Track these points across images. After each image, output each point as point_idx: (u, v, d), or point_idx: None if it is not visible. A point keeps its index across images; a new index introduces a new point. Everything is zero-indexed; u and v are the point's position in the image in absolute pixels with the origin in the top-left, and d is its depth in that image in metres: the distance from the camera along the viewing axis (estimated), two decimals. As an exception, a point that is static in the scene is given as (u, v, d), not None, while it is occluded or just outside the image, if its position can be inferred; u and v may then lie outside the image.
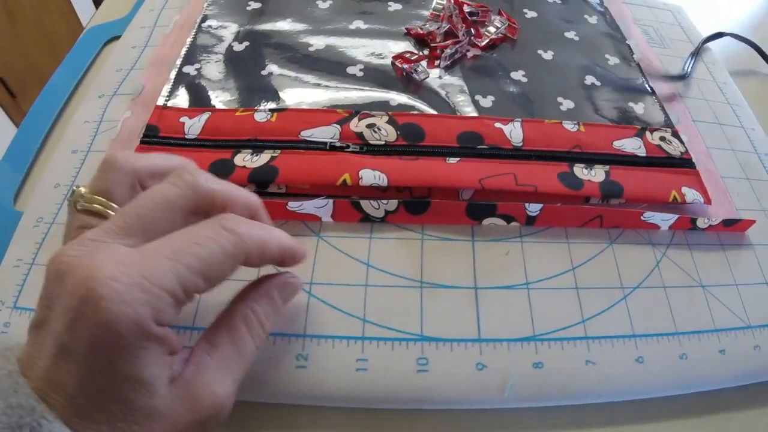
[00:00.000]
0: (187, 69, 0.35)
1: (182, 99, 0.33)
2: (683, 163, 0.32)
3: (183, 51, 0.36)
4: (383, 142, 0.30)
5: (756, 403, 0.26)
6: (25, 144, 0.34)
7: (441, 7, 0.39)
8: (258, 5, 0.39)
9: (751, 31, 0.45)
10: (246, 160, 0.29)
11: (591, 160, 0.31)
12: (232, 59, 0.35)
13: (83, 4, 0.99)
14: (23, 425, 0.15)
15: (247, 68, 0.35)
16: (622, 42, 0.40)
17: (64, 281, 0.16)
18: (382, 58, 0.36)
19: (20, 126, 0.35)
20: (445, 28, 0.37)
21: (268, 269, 0.24)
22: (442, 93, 0.34)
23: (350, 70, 0.35)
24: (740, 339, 0.27)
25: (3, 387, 0.16)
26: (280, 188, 0.29)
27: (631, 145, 0.32)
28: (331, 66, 0.35)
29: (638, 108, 0.35)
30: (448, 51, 0.35)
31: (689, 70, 0.39)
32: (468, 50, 0.37)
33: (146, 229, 0.18)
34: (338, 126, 0.31)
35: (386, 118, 0.31)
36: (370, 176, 0.28)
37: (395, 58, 0.35)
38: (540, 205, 0.28)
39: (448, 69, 0.36)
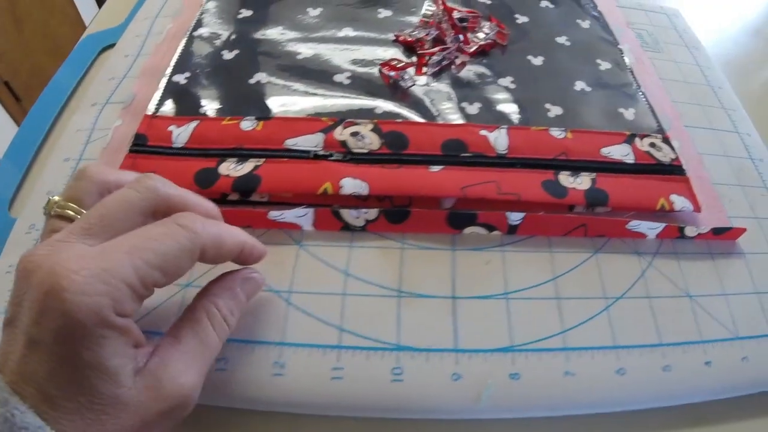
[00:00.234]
0: (177, 78, 0.35)
1: (171, 108, 0.33)
2: (673, 170, 0.32)
3: (174, 60, 0.36)
4: (367, 151, 0.30)
5: (743, 416, 0.26)
6: (20, 152, 0.35)
7: (430, 13, 0.39)
8: (249, 13, 0.40)
9: (749, 34, 0.44)
10: (230, 169, 0.30)
11: (577, 167, 0.31)
12: (221, 67, 0.36)
13: (88, 10, 1.01)
14: None
15: (235, 76, 0.35)
16: (615, 47, 0.40)
17: (31, 278, 0.18)
18: (370, 65, 0.36)
19: (16, 134, 0.36)
20: (434, 35, 0.37)
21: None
22: (429, 100, 0.34)
23: (337, 77, 0.35)
24: (728, 350, 0.26)
25: None
26: (263, 197, 0.29)
27: (619, 151, 0.32)
28: (319, 74, 0.35)
29: (628, 114, 0.35)
30: (435, 58, 0.35)
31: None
32: (456, 57, 0.37)
33: (108, 230, 0.19)
34: (322, 134, 0.31)
35: (371, 126, 0.32)
36: (351, 185, 0.28)
37: (382, 65, 0.35)
38: (522, 214, 0.28)
39: (435, 76, 0.36)
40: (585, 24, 0.41)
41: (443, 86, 0.35)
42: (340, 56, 0.36)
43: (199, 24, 0.39)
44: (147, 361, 0.19)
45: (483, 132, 0.32)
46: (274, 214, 0.28)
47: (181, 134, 0.31)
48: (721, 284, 0.29)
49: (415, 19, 0.40)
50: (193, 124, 0.32)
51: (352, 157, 0.30)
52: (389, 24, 0.39)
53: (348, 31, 0.38)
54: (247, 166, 0.30)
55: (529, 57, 0.38)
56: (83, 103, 0.36)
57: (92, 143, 0.34)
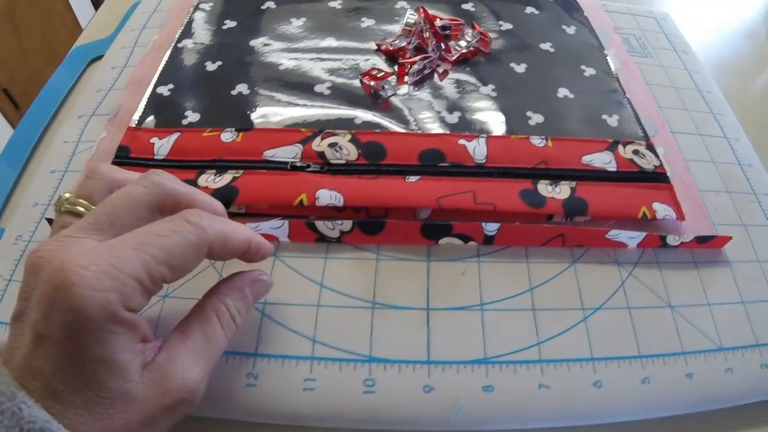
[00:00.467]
0: (160, 89, 0.35)
1: (154, 119, 0.33)
2: (657, 177, 0.31)
3: (158, 71, 0.37)
4: (344, 161, 0.30)
5: (724, 429, 0.25)
6: (9, 163, 0.35)
7: (413, 21, 0.39)
8: (233, 24, 0.40)
9: (744, 36, 0.44)
10: (209, 180, 0.30)
11: (557, 176, 0.31)
12: (204, 79, 0.36)
13: (87, 16, 1.02)
14: (4, 410, 0.16)
15: (218, 88, 0.35)
16: (601, 52, 0.39)
17: (40, 273, 0.18)
18: (351, 75, 0.36)
19: (5, 145, 0.37)
20: (416, 44, 0.37)
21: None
22: (409, 110, 0.34)
23: (318, 88, 0.35)
24: (710, 362, 0.26)
25: None
26: (240, 209, 0.29)
27: (600, 159, 0.32)
28: (300, 84, 0.35)
29: (612, 120, 0.34)
30: (415, 67, 0.35)
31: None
32: (438, 65, 0.37)
33: (115, 225, 0.19)
34: (300, 145, 0.31)
35: (349, 136, 0.31)
36: (327, 196, 0.28)
37: (363, 75, 0.35)
38: (498, 225, 0.28)
39: (416, 85, 0.36)
40: (570, 30, 0.41)
41: (424, 95, 0.35)
42: (322, 66, 0.37)
43: (183, 35, 0.39)
44: (155, 356, 0.19)
45: (461, 141, 0.32)
46: (251, 226, 0.28)
47: (162, 146, 0.32)
48: (704, 294, 0.28)
49: (397, 28, 0.40)
50: (175, 136, 0.32)
51: (329, 168, 0.30)
52: (372, 33, 0.39)
53: (330, 41, 0.38)
54: (226, 178, 0.30)
55: (512, 64, 0.37)
56: (71, 114, 0.37)
57: (78, 155, 0.34)
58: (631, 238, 0.29)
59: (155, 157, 0.31)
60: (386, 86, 0.35)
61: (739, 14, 0.50)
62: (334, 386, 0.24)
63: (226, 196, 0.29)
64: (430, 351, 0.25)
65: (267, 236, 0.28)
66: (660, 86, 0.38)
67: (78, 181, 0.23)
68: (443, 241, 0.28)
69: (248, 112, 0.33)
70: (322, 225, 0.28)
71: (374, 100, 0.34)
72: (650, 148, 0.33)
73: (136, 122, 0.33)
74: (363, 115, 0.33)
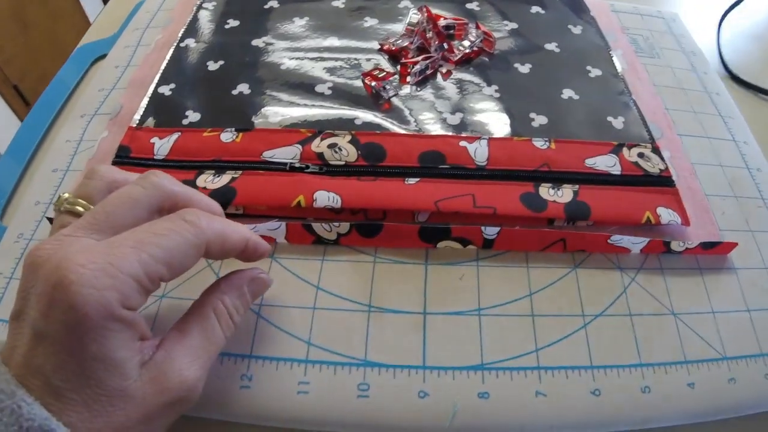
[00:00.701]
0: (162, 89, 0.35)
1: (155, 119, 0.33)
2: (662, 182, 0.31)
3: (160, 71, 0.37)
4: (343, 163, 0.30)
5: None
6: (12, 162, 0.36)
7: (416, 21, 0.38)
8: (236, 23, 0.40)
9: (753, 37, 0.43)
10: (207, 181, 0.30)
11: (559, 179, 0.30)
12: (205, 78, 0.36)
13: (96, 14, 1.03)
14: (4, 408, 0.16)
15: (219, 87, 0.35)
16: (607, 52, 0.39)
17: (39, 272, 0.18)
18: (353, 75, 0.36)
19: (9, 144, 0.37)
20: (418, 43, 0.37)
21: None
22: (410, 110, 0.34)
23: (319, 88, 0.35)
24: (713, 371, 0.25)
25: None
26: (238, 209, 0.29)
27: (604, 162, 0.31)
28: (301, 84, 0.35)
29: (617, 122, 0.34)
30: (417, 67, 0.35)
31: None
32: (441, 65, 0.36)
33: (114, 225, 0.20)
34: (300, 146, 0.31)
35: (349, 137, 0.31)
36: (325, 198, 0.28)
37: (364, 75, 0.35)
38: (497, 228, 0.27)
39: (419, 85, 0.35)
40: (576, 30, 0.40)
41: (426, 96, 0.35)
42: (323, 66, 0.36)
43: (186, 34, 0.39)
44: (153, 354, 0.19)
45: (462, 143, 0.31)
46: (248, 227, 0.28)
47: (162, 146, 0.32)
48: (709, 302, 0.28)
49: (400, 28, 0.39)
50: (175, 136, 0.32)
51: (328, 170, 0.30)
52: (374, 33, 0.39)
53: (333, 41, 0.38)
54: (224, 179, 0.30)
55: (516, 65, 0.37)
56: (73, 113, 0.37)
57: (80, 154, 0.34)
58: (635, 243, 0.28)
59: (155, 157, 0.31)
60: (388, 86, 0.34)
61: (748, 15, 0.49)
62: (329, 390, 0.24)
63: (224, 196, 0.29)
64: (426, 356, 0.25)
65: (264, 237, 0.28)
66: (667, 88, 0.38)
67: (77, 181, 0.23)
68: (441, 244, 0.28)
69: (248, 112, 0.33)
70: (319, 227, 0.28)
71: (375, 100, 0.34)
72: (656, 151, 0.32)
73: (137, 122, 0.33)
74: (364, 115, 0.33)
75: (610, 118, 0.34)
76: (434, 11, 0.39)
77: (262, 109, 0.33)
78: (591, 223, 0.29)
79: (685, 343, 0.26)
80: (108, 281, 0.17)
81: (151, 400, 0.19)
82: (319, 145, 0.31)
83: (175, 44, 0.38)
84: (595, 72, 0.37)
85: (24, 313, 0.18)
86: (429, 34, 0.37)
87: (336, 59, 0.37)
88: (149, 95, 0.35)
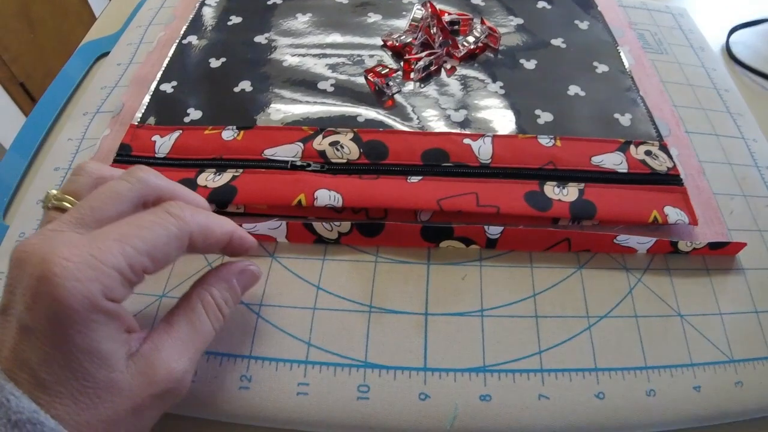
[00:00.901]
0: (164, 87, 0.35)
1: (156, 117, 0.33)
2: (669, 180, 0.30)
3: (162, 68, 0.36)
4: (345, 161, 0.30)
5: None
6: (16, 160, 0.36)
7: (420, 17, 0.38)
8: (239, 20, 0.40)
9: (763, 33, 0.42)
10: (208, 179, 0.29)
11: (565, 177, 0.30)
12: (207, 76, 0.36)
13: (103, 11, 1.02)
14: None
15: (220, 85, 0.35)
16: (614, 48, 0.38)
17: (24, 267, 0.18)
18: (355, 72, 0.35)
19: (12, 143, 0.37)
20: (422, 39, 0.36)
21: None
22: (413, 107, 0.33)
23: (321, 85, 0.34)
24: (720, 375, 0.25)
25: None
26: (239, 208, 0.29)
27: (611, 160, 0.31)
28: (303, 81, 0.35)
29: (624, 119, 0.33)
30: (421, 63, 0.34)
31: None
32: (445, 61, 0.36)
33: (98, 219, 0.20)
34: (301, 144, 0.30)
35: (351, 135, 0.31)
36: (326, 197, 0.28)
37: (367, 72, 0.35)
38: (501, 228, 0.27)
39: (422, 82, 0.35)
40: (583, 25, 0.39)
41: (430, 92, 0.34)
42: (326, 63, 0.36)
43: (188, 31, 0.39)
44: (140, 346, 0.19)
45: (466, 141, 0.31)
46: (248, 227, 0.27)
47: (163, 144, 0.31)
48: (716, 303, 0.27)
49: (404, 23, 0.39)
50: (176, 134, 0.32)
51: (330, 168, 0.29)
52: (378, 29, 0.39)
53: (336, 37, 0.38)
54: (225, 177, 0.29)
55: (522, 60, 0.36)
56: (75, 112, 0.37)
57: (81, 152, 0.34)
58: (641, 243, 0.28)
59: (156, 156, 0.31)
60: (391, 83, 0.34)
61: (758, 10, 0.48)
62: (328, 391, 0.23)
63: (224, 195, 0.28)
64: (427, 357, 0.24)
65: (264, 237, 0.28)
66: (675, 84, 0.37)
67: (67, 178, 0.23)
68: (444, 244, 0.28)
69: (250, 110, 0.33)
70: (320, 226, 0.27)
71: (378, 97, 0.34)
72: (663, 148, 0.32)
73: (139, 120, 0.33)
74: (366, 112, 0.33)
75: (617, 115, 0.33)
76: (438, 6, 0.39)
77: (264, 107, 0.33)
78: (597, 223, 0.29)
79: (691, 345, 0.26)
80: (91, 273, 0.17)
81: (139, 392, 0.19)
82: (320, 143, 0.30)
83: (178, 41, 0.38)
84: (601, 68, 0.36)
85: (10, 308, 0.18)
86: (433, 30, 0.37)
87: (339, 56, 0.37)
88: (151, 93, 0.35)
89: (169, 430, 0.23)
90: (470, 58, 0.37)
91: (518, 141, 0.31)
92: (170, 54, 0.37)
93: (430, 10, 0.37)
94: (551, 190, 0.29)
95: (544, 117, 0.33)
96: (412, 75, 0.35)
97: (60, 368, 0.17)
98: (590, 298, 0.27)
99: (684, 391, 0.24)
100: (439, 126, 0.32)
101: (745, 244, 0.28)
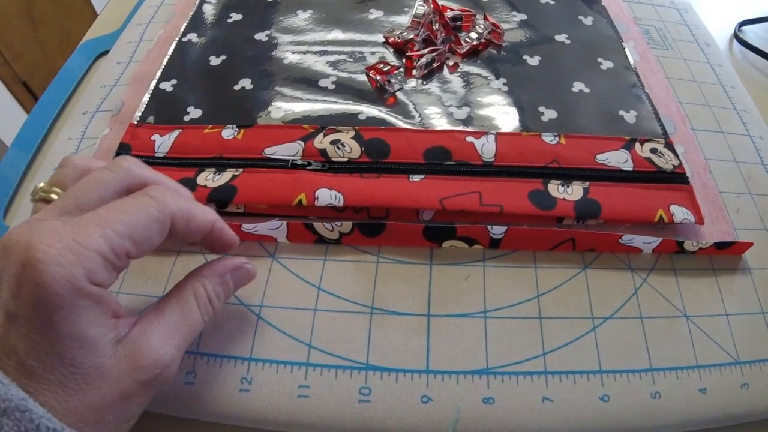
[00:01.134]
0: (163, 85, 0.35)
1: (156, 116, 0.33)
2: (675, 178, 0.30)
3: (162, 66, 0.36)
4: (346, 159, 0.29)
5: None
6: (16, 160, 0.35)
7: (422, 12, 0.37)
8: (239, 17, 0.39)
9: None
10: (208, 179, 0.29)
11: (569, 175, 0.29)
12: (207, 74, 0.35)
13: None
14: None
15: (220, 83, 0.34)
16: (619, 44, 0.37)
17: (9, 255, 0.18)
18: (357, 69, 0.35)
19: (11, 143, 0.37)
20: (424, 36, 0.36)
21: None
22: (415, 105, 0.33)
23: (322, 82, 0.34)
24: (726, 376, 0.25)
25: None
26: (239, 208, 0.28)
27: (616, 158, 0.30)
28: (304, 79, 0.34)
29: (630, 117, 0.33)
30: (423, 60, 0.34)
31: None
32: (448, 58, 0.35)
33: (81, 207, 0.20)
34: (302, 143, 0.30)
35: (352, 133, 0.31)
36: (327, 196, 0.27)
37: (369, 69, 0.34)
38: (504, 227, 0.27)
39: (424, 79, 0.34)
40: (587, 20, 0.39)
41: (432, 89, 0.34)
42: (327, 60, 0.36)
43: (188, 29, 0.39)
44: (128, 331, 0.19)
45: (469, 138, 0.30)
46: (248, 227, 0.27)
47: (163, 143, 0.31)
48: (723, 304, 0.27)
49: (406, 20, 0.38)
50: (176, 133, 0.31)
51: (331, 167, 0.29)
52: (379, 25, 0.38)
53: (337, 34, 0.37)
54: (225, 176, 0.29)
55: (525, 57, 0.36)
56: (75, 111, 0.36)
57: (81, 152, 0.34)
58: (647, 243, 0.27)
59: (156, 155, 0.31)
60: (393, 80, 0.34)
61: (764, 5, 0.47)
62: (329, 394, 0.23)
63: (224, 195, 0.28)
64: (430, 360, 0.24)
65: (264, 237, 0.28)
66: (681, 80, 0.36)
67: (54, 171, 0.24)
68: (447, 244, 0.27)
69: (250, 108, 0.33)
70: (320, 226, 0.27)
71: (380, 94, 0.33)
72: (669, 146, 0.31)
73: (138, 119, 0.33)
74: (368, 110, 0.32)
75: (621, 112, 0.33)
76: (441, 2, 0.38)
77: (265, 105, 0.33)
78: (602, 222, 0.28)
79: (697, 346, 0.25)
80: (72, 257, 0.17)
81: (126, 377, 0.19)
82: (321, 142, 0.30)
83: (177, 39, 0.38)
84: (606, 64, 0.36)
85: None
86: (435, 26, 0.36)
87: (340, 53, 0.36)
88: (150, 91, 0.34)
89: (169, 432, 0.23)
90: (473, 54, 0.36)
91: (522, 139, 0.31)
92: (170, 52, 0.37)
93: (432, 6, 0.37)
94: (555, 188, 0.29)
95: (548, 114, 0.32)
96: (414, 72, 0.34)
97: (46, 355, 0.17)
98: (595, 299, 0.26)
99: (690, 394, 0.24)
100: (441, 124, 0.32)
101: (751, 244, 0.28)
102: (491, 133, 0.31)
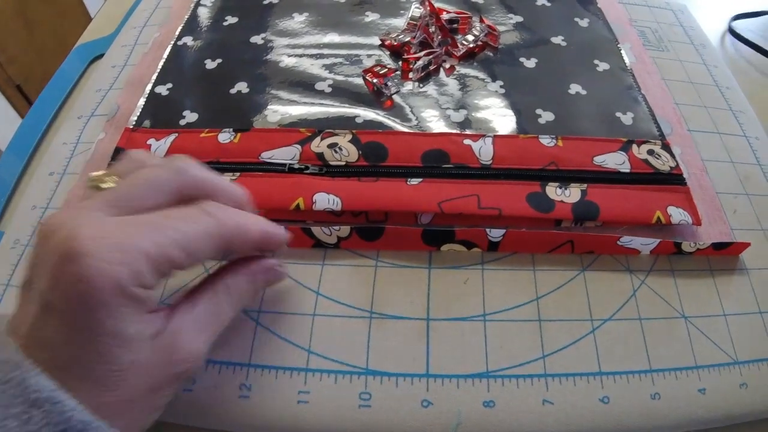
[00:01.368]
0: (159, 89, 0.35)
1: (152, 120, 0.33)
2: (672, 180, 0.30)
3: (157, 70, 0.36)
4: (344, 163, 0.29)
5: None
6: (10, 165, 0.35)
7: (418, 15, 0.37)
8: (235, 20, 0.39)
9: (762, 25, 0.41)
10: (205, 183, 0.29)
11: (567, 178, 0.29)
12: (203, 77, 0.35)
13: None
14: (10, 379, 0.16)
15: (216, 87, 0.34)
16: (615, 46, 0.37)
17: (49, 241, 0.17)
18: (353, 72, 0.35)
19: (6, 148, 0.36)
20: (421, 38, 0.36)
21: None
22: (412, 107, 0.33)
23: (319, 86, 0.34)
24: (725, 376, 0.25)
25: None
26: (237, 212, 0.28)
27: (613, 160, 0.30)
28: (300, 82, 0.34)
29: (626, 118, 0.33)
30: (419, 63, 0.34)
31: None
32: (444, 61, 0.35)
33: (133, 204, 0.19)
34: (299, 146, 0.30)
35: (349, 136, 0.30)
36: (324, 200, 0.27)
37: (365, 72, 0.34)
38: (503, 230, 0.27)
39: (421, 81, 0.34)
40: (583, 22, 0.39)
41: (429, 92, 0.34)
42: (323, 63, 0.35)
43: (184, 32, 0.38)
44: (163, 325, 0.19)
45: (467, 141, 0.30)
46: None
47: (159, 148, 0.31)
48: (720, 304, 0.27)
49: (402, 22, 0.38)
50: (172, 138, 0.31)
51: (328, 170, 0.29)
52: (375, 28, 0.38)
53: (333, 37, 0.37)
54: (222, 181, 0.29)
55: (522, 59, 0.36)
56: (70, 115, 0.36)
57: (77, 156, 0.33)
58: (645, 244, 0.27)
59: (152, 159, 0.31)
60: (390, 83, 0.34)
61: (758, 6, 0.48)
62: (329, 399, 0.23)
63: (222, 199, 0.28)
64: (429, 364, 0.24)
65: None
66: (677, 82, 0.36)
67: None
68: (445, 247, 0.27)
69: (247, 112, 0.33)
70: (318, 230, 0.27)
71: (377, 97, 0.33)
72: (666, 147, 0.31)
73: (134, 123, 0.33)
74: (365, 113, 0.32)
75: (618, 114, 0.33)
76: (437, 5, 0.38)
77: (261, 109, 0.33)
78: (600, 224, 0.28)
79: (695, 347, 0.25)
80: (119, 256, 0.17)
81: (159, 371, 0.18)
82: (318, 145, 0.30)
83: (173, 42, 0.38)
84: (603, 66, 0.36)
85: (32, 284, 0.18)
86: (432, 29, 0.36)
87: (336, 56, 0.36)
88: (146, 95, 0.34)
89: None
90: (469, 57, 0.36)
91: (519, 141, 0.31)
92: (165, 55, 0.37)
93: (428, 8, 0.37)
94: (553, 191, 0.29)
95: (546, 116, 0.32)
96: (410, 75, 0.34)
97: (83, 351, 0.17)
98: (594, 301, 0.26)
99: (689, 394, 0.24)
100: (438, 126, 0.31)
101: (748, 244, 0.28)
102: (489, 136, 0.31)
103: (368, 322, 0.25)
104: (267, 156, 0.30)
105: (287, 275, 0.24)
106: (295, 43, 0.37)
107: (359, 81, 0.34)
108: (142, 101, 0.34)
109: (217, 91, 0.34)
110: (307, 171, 0.29)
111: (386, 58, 0.36)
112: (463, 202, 0.27)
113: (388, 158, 0.29)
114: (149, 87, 0.35)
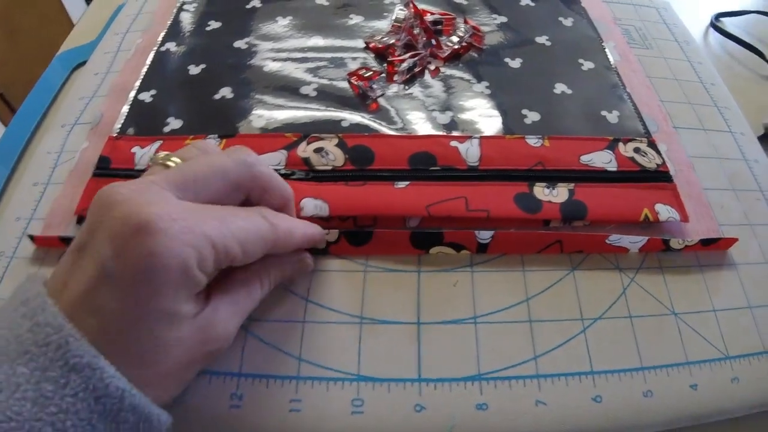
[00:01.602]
0: (142, 96, 0.34)
1: (136, 128, 0.32)
2: (659, 177, 0.30)
3: (140, 77, 0.35)
4: (330, 167, 0.29)
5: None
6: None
7: (402, 17, 0.37)
8: (218, 25, 0.39)
9: (745, 23, 0.42)
10: (191, 190, 0.29)
11: (554, 177, 0.29)
12: (186, 83, 0.35)
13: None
14: (50, 342, 0.16)
15: (200, 92, 0.34)
16: (599, 44, 0.38)
17: (115, 210, 0.18)
18: (338, 76, 0.35)
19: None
20: (405, 40, 0.36)
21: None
22: (398, 110, 0.33)
23: (303, 90, 0.34)
24: (716, 372, 0.25)
25: (31, 307, 0.17)
26: (223, 220, 0.28)
27: (600, 159, 0.30)
28: (285, 87, 0.34)
29: (612, 117, 0.33)
30: (404, 65, 0.34)
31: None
32: (429, 62, 0.35)
33: (198, 189, 0.20)
34: (285, 152, 0.30)
35: (336, 140, 0.30)
36: (311, 206, 0.27)
37: (350, 75, 0.34)
38: (491, 232, 0.27)
39: (406, 84, 0.34)
40: (567, 22, 0.39)
41: (414, 94, 0.34)
42: (308, 67, 0.35)
43: (167, 38, 0.38)
44: (202, 306, 0.20)
45: (453, 143, 0.30)
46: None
47: (144, 156, 0.31)
48: (710, 300, 0.27)
49: (386, 24, 0.38)
50: (156, 145, 0.31)
51: (315, 175, 0.29)
52: (360, 31, 0.38)
53: (317, 40, 0.37)
54: (208, 188, 0.29)
55: (507, 59, 0.36)
56: (54, 123, 0.35)
57: (61, 166, 0.33)
58: (633, 242, 0.27)
59: (136, 168, 0.30)
60: (375, 86, 0.33)
61: (739, 5, 0.48)
62: (321, 407, 0.23)
63: (208, 207, 0.28)
64: (421, 368, 0.24)
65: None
66: (661, 79, 0.37)
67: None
68: (434, 250, 0.27)
69: (232, 117, 0.32)
70: (307, 236, 0.27)
71: (362, 101, 0.33)
72: (652, 145, 0.31)
73: (118, 131, 0.32)
74: (351, 117, 0.32)
75: (604, 113, 0.33)
76: (421, 6, 0.38)
77: (246, 114, 0.32)
78: (588, 223, 0.28)
79: (686, 343, 0.25)
80: (191, 239, 0.18)
81: (196, 349, 0.19)
82: (305, 150, 0.30)
83: (156, 48, 0.37)
84: (587, 65, 0.36)
85: (89, 248, 0.18)
86: (416, 31, 0.36)
87: (321, 59, 0.36)
88: (129, 103, 0.34)
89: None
90: (454, 58, 0.36)
91: (506, 142, 0.31)
92: (148, 62, 0.36)
93: (412, 10, 0.37)
94: (541, 191, 0.29)
95: (531, 116, 0.32)
96: (396, 77, 0.34)
97: (133, 324, 0.17)
98: (584, 300, 0.26)
99: (681, 390, 0.24)
100: (425, 128, 0.31)
101: (736, 239, 0.28)
102: (475, 137, 0.31)
103: (359, 328, 0.25)
104: (253, 162, 0.29)
105: (312, 266, 0.26)
106: (279, 47, 0.37)
107: (344, 84, 0.34)
108: (125, 108, 0.33)
109: (201, 97, 0.34)
110: (294, 176, 0.29)
111: (371, 61, 0.36)
112: (451, 205, 0.27)
113: (374, 161, 0.29)
114: (133, 94, 0.34)
